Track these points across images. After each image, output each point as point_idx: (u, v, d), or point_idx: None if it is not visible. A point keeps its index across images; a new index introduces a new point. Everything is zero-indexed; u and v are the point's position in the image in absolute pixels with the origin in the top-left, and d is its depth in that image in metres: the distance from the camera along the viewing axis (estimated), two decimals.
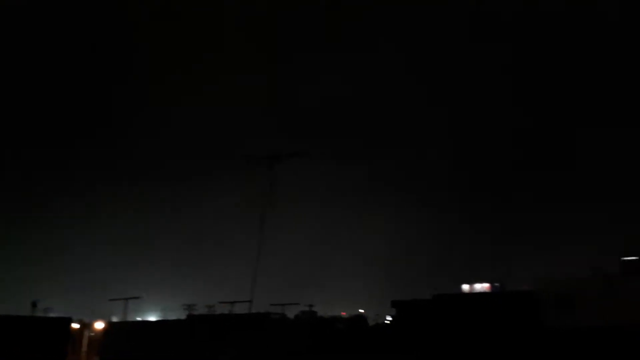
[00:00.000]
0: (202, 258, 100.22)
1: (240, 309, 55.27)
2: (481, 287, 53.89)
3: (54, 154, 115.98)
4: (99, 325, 55.11)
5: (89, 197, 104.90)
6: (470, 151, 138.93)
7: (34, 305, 52.97)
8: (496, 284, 53.80)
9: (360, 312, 65.99)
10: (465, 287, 54.59)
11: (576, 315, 41.77)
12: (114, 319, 59.49)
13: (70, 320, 50.64)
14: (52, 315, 54.71)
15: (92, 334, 55.37)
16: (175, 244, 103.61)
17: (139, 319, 64.73)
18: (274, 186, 54.86)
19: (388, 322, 59.32)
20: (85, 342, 54.38)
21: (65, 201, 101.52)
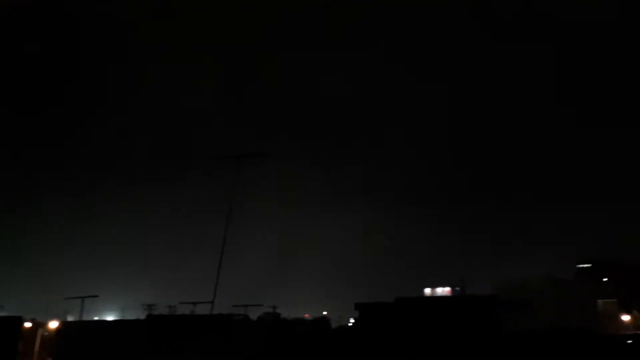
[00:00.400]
0: (164, 257, 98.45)
1: (202, 310, 54.51)
2: (442, 290, 55.11)
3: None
4: (54, 324, 53.20)
5: (46, 197, 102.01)
6: (437, 159, 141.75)
7: None
8: (457, 288, 55.14)
9: (324, 314, 66.22)
10: (427, 290, 55.71)
11: (533, 317, 43.22)
12: (70, 319, 57.58)
13: (21, 319, 48.65)
14: (1, 314, 52.57)
15: (46, 333, 53.39)
16: (137, 243, 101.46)
17: (96, 318, 62.89)
18: (239, 186, 54.37)
19: (351, 324, 59.68)
20: (37, 342, 52.34)
21: (23, 199, 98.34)
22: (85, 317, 59.23)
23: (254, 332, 48.64)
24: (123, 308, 64.89)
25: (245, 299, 57.38)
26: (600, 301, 43.25)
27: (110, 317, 63.93)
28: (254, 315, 58.33)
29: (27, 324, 51.14)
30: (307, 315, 67.23)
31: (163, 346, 46.93)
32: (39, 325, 53.51)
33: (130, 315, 59.04)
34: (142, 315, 56.41)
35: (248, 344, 45.81)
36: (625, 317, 41.25)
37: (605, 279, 50.56)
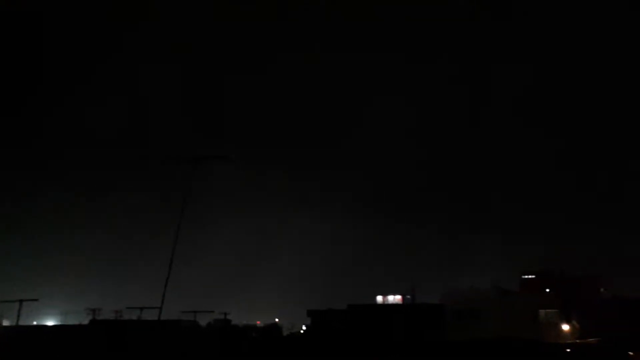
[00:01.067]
0: (111, 261, 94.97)
1: (149, 315, 52.84)
2: (394, 298, 55.89)
3: None
4: None
5: None
6: (391, 170, 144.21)
7: None
8: (408, 296, 56.06)
9: (276, 321, 65.75)
10: (379, 298, 56.36)
11: (479, 326, 44.53)
12: (6, 323, 54.36)
13: None
14: None
15: None
16: (82, 245, 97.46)
17: (35, 323, 59.65)
18: (193, 190, 53.22)
19: (303, 331, 59.51)
20: None
21: None
22: (23, 323, 56.09)
23: (202, 339, 47.61)
24: (64, 313, 61.98)
25: (196, 305, 56.10)
26: (542, 311, 45.04)
27: (50, 322, 60.86)
28: (204, 321, 57.15)
29: None
30: (258, 322, 66.62)
31: (107, 353, 45.07)
32: None
33: (72, 321, 56.41)
34: (85, 320, 54.05)
35: (196, 350, 44.77)
36: (565, 327, 43.16)
37: (547, 290, 52.84)
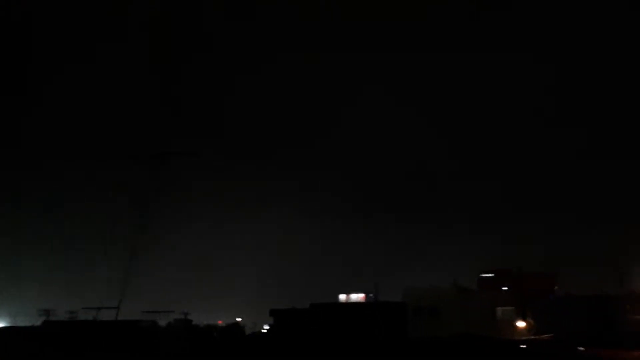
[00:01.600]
0: (67, 258, 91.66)
1: (107, 316, 51.38)
2: (357, 297, 56.29)
3: None
4: None
5: None
6: (355, 169, 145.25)
7: None
8: (370, 295, 56.56)
9: (237, 320, 65.03)
10: (342, 296, 56.64)
11: (440, 323, 45.42)
12: None
13: None
14: None
15: None
16: (36, 241, 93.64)
17: None
18: (158, 185, 52.19)
19: (265, 330, 59.13)
20: None
21: None
22: None
23: (162, 339, 46.72)
24: (14, 314, 59.38)
25: (156, 305, 54.85)
26: (499, 309, 46.28)
27: None
28: (163, 322, 55.96)
29: None
30: (220, 322, 65.76)
31: (61, 355, 43.56)
32: None
33: (23, 322, 54.09)
34: (37, 321, 51.94)
35: (155, 351, 43.92)
36: (521, 324, 44.49)
37: (504, 288, 54.29)
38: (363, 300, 55.73)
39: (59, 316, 52.64)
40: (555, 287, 54.76)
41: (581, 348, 33.86)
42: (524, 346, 37.36)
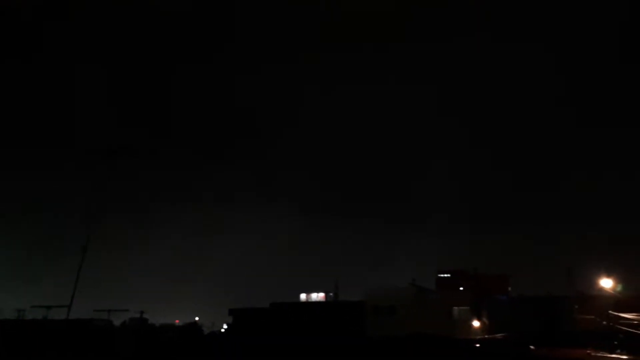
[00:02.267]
0: (16, 256, 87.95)
1: (57, 315, 49.51)
2: (317, 296, 56.49)
3: None
4: None
5: None
6: (318, 169, 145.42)
7: None
8: (330, 294, 56.89)
9: (195, 320, 64.08)
10: (303, 296, 56.73)
11: (398, 322, 46.02)
12: None
13: None
14: None
15: None
16: None
17: None
18: (108, 182, 50.70)
19: (224, 329, 58.52)
20: None
21: None
22: None
23: (116, 339, 45.47)
24: None
25: (111, 304, 53.41)
26: (455, 308, 47.32)
27: None
28: (118, 321, 54.53)
29: None
30: (177, 321, 64.68)
31: (8, 356, 41.66)
32: None
33: None
34: None
35: (109, 351, 42.62)
36: (476, 323, 45.65)
37: (461, 288, 55.65)
38: (323, 300, 55.95)
39: (6, 315, 50.50)
40: (509, 288, 56.49)
41: (532, 347, 35.03)
42: (478, 345, 38.30)
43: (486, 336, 42.64)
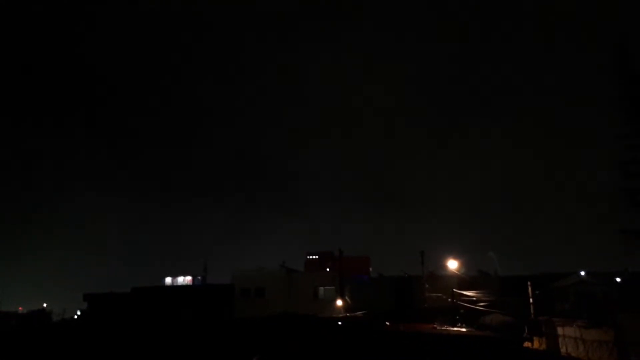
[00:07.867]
0: None
1: None
2: (183, 279, 54.61)
3: None
4: None
5: None
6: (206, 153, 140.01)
7: None
8: (198, 277, 55.38)
9: (43, 307, 58.32)
10: (168, 280, 54.45)
11: (267, 303, 46.55)
12: None
13: None
14: None
15: None
16: None
17: None
18: None
19: (77, 316, 54.22)
20: None
21: None
22: None
23: None
24: None
25: None
26: (321, 288, 49.25)
27: None
28: None
29: None
30: (20, 309, 58.63)
31: None
32: None
33: None
34: None
35: None
36: (339, 302, 47.94)
37: (327, 269, 57.89)
38: (190, 283, 54.36)
39: None
40: (370, 269, 60.12)
41: (387, 323, 37.80)
42: (340, 323, 40.26)
43: (347, 314, 45.02)
